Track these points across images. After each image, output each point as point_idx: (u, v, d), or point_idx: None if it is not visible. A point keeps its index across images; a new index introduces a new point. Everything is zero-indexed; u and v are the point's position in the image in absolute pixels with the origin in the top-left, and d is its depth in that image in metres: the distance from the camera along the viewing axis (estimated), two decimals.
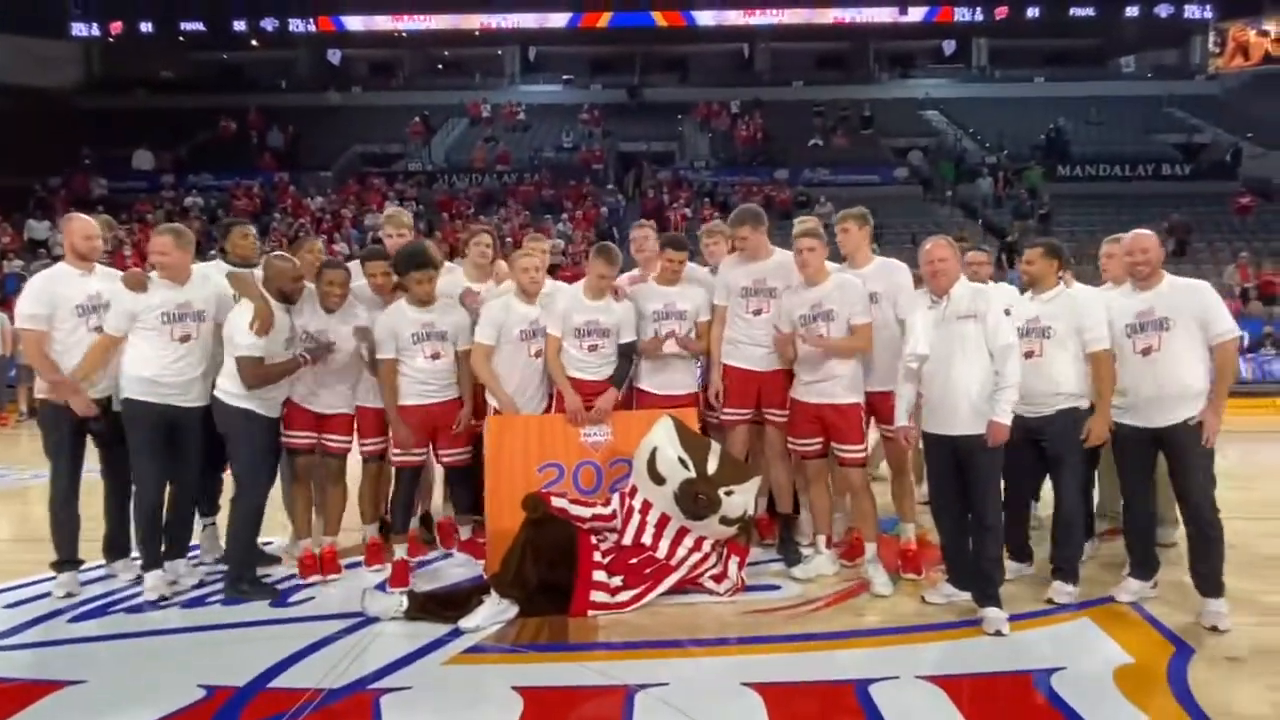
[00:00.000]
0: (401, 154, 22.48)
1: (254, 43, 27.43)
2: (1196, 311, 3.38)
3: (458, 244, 8.51)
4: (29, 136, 20.06)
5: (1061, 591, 3.60)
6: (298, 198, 18.71)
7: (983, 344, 3.32)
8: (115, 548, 3.96)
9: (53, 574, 3.81)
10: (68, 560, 3.81)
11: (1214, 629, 3.23)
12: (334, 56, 27.46)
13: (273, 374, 3.65)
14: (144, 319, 3.65)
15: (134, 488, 3.80)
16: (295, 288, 3.79)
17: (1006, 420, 3.28)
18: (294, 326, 3.81)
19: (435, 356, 3.98)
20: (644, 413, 4.12)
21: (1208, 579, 3.35)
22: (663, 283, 4.25)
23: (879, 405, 3.87)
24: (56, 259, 15.42)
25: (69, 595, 3.72)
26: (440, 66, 28.86)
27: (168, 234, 3.79)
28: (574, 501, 3.76)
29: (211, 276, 3.90)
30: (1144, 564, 3.60)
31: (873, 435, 4.13)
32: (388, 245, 4.39)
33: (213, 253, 4.47)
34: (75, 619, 3.53)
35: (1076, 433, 3.56)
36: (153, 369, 3.64)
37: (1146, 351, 3.40)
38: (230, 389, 3.66)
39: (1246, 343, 13.32)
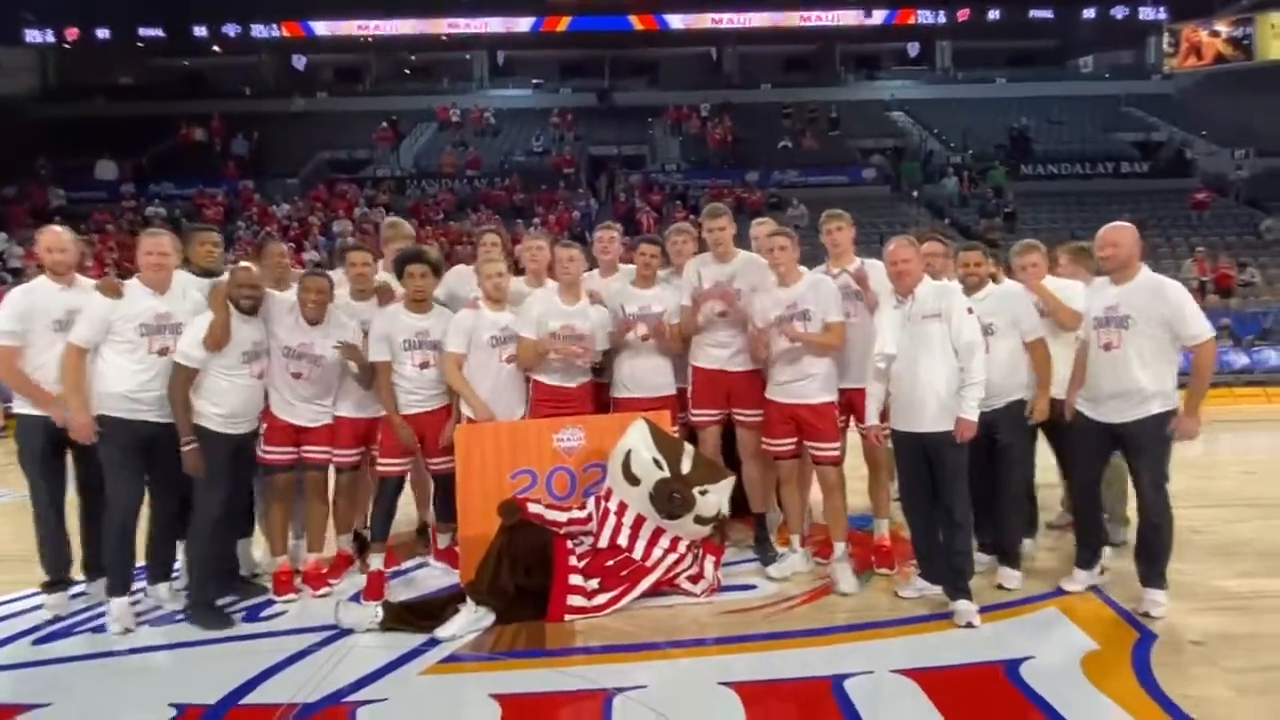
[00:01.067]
0: (369, 159, 22.25)
1: (216, 49, 26.93)
2: (1160, 313, 3.33)
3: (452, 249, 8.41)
4: None
5: (1009, 577, 3.71)
6: (263, 205, 18.42)
7: (948, 342, 3.39)
8: (93, 566, 3.80)
9: (34, 593, 3.69)
10: (58, 581, 3.68)
11: (1146, 615, 3.31)
12: (299, 62, 27.09)
13: (179, 404, 3.46)
14: (119, 330, 3.48)
15: (105, 503, 3.58)
16: (252, 295, 3.64)
17: (973, 417, 3.35)
18: (261, 340, 3.70)
19: (424, 365, 3.95)
20: (617, 416, 4.11)
21: (1151, 570, 3.40)
22: (639, 284, 4.27)
23: (858, 403, 3.89)
24: (14, 272, 15.00)
25: (57, 619, 3.60)
26: (408, 71, 28.60)
27: (164, 235, 3.64)
28: (549, 506, 3.76)
29: (191, 289, 3.74)
30: (1090, 553, 3.69)
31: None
32: (386, 252, 4.35)
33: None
34: (40, 640, 3.45)
35: (1024, 422, 3.68)
36: (128, 384, 3.47)
37: (1108, 347, 3.43)
38: (195, 403, 3.53)
39: None
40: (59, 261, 3.64)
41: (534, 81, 26.90)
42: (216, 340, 3.50)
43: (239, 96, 25.13)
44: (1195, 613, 3.40)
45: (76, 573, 3.83)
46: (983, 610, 3.38)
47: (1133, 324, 3.38)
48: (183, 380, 3.48)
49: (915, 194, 19.77)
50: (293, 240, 15.15)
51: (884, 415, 3.65)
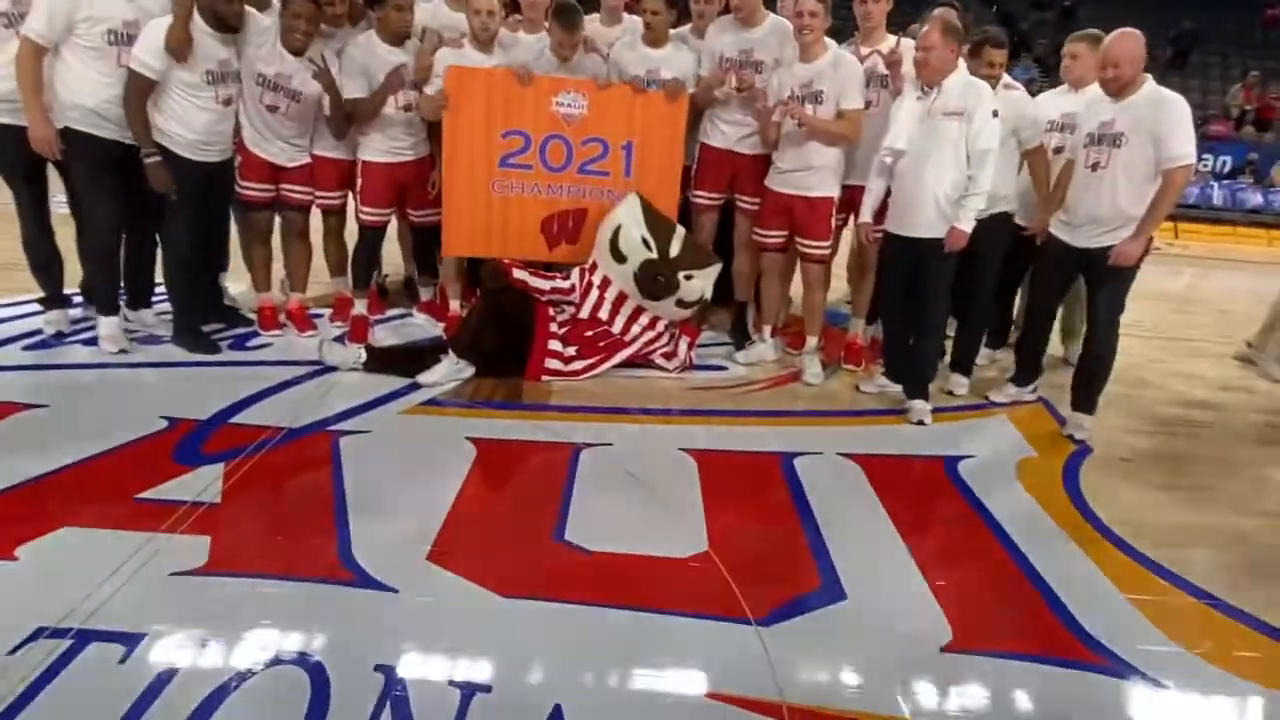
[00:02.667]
0: None
1: None
2: (1155, 130, 3.07)
3: None
4: None
5: (958, 384, 3.87)
6: None
7: (963, 145, 3.20)
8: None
9: (26, 300, 3.64)
10: (53, 297, 3.63)
11: (1070, 437, 3.46)
12: None
13: (136, 119, 3.19)
14: (84, 33, 3.12)
15: (83, 223, 3.48)
16: (228, 9, 3.27)
17: (968, 228, 3.26)
18: (229, 60, 3.38)
19: (408, 108, 3.68)
20: (621, 89, 3.82)
21: (1086, 397, 3.49)
22: (647, 42, 3.90)
23: (860, 201, 3.68)
24: None
25: (59, 334, 3.61)
26: None
27: None
28: (534, 274, 3.76)
29: (165, 5, 3.27)
30: (1028, 372, 3.81)
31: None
32: None
33: None
34: (30, 347, 3.55)
35: (1004, 236, 3.60)
36: (93, 99, 3.18)
37: (1095, 166, 3.24)
38: (157, 121, 3.29)
39: (1228, 168, 13.20)
40: None
41: None
42: (177, 43, 3.15)
43: None
44: (1133, 433, 3.63)
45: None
46: (936, 411, 3.57)
47: (1125, 142, 3.15)
48: (137, 91, 3.19)
49: None
50: None
51: (878, 216, 3.55)
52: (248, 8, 3.42)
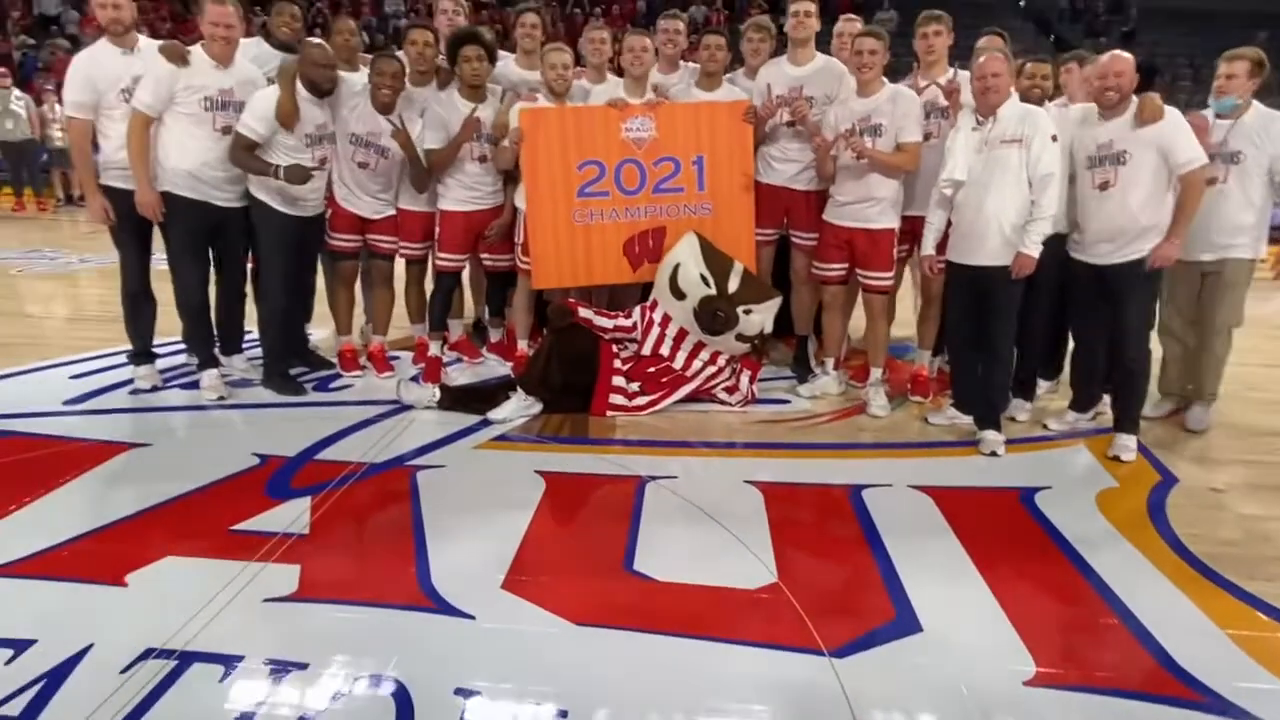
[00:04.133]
0: None
1: None
2: (1157, 142, 3.13)
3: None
4: None
5: (1020, 409, 3.79)
6: None
7: (1023, 171, 3.19)
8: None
9: (126, 350, 3.85)
10: (144, 352, 3.83)
11: (1116, 459, 3.36)
12: None
13: (249, 164, 3.46)
14: (183, 102, 3.39)
15: (177, 284, 3.71)
16: (324, 75, 3.53)
17: (1035, 253, 3.23)
18: (325, 124, 3.63)
19: (483, 159, 3.88)
20: (688, 106, 3.94)
21: (1126, 415, 3.42)
22: (703, 84, 4.04)
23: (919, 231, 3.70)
24: (71, 39, 14.81)
25: (153, 389, 3.79)
26: None
27: (229, 3, 3.42)
28: (598, 313, 3.87)
29: (255, 72, 3.60)
30: (1086, 398, 3.71)
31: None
32: (441, 23, 4.14)
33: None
34: (135, 391, 3.83)
35: (1056, 260, 3.47)
36: (192, 162, 3.44)
37: (1104, 186, 3.24)
38: (253, 181, 3.57)
39: None
40: (115, 20, 3.44)
41: None
42: (286, 115, 3.42)
43: None
44: (1223, 463, 3.46)
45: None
46: (1010, 443, 3.48)
47: (1128, 158, 3.17)
48: (243, 148, 3.44)
49: (1021, 2, 17.61)
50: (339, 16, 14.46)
51: (941, 246, 3.54)
52: (340, 72, 3.70)
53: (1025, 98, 3.38)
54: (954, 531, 2.75)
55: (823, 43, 4.03)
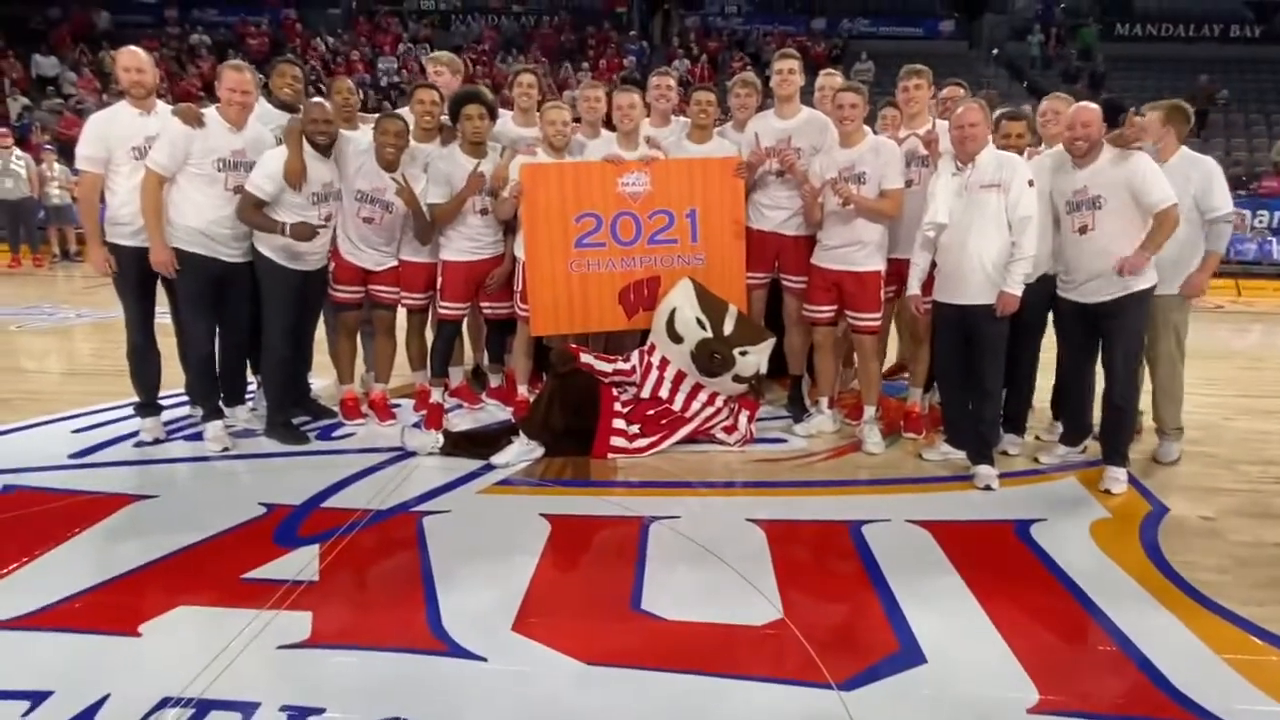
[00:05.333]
0: None
1: None
2: (1130, 184, 3.27)
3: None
4: None
5: (1011, 443, 3.89)
6: (306, 37, 17.89)
7: (1003, 214, 3.34)
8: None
9: (130, 402, 3.90)
10: (149, 404, 3.86)
11: (1107, 491, 3.45)
12: None
13: (257, 222, 3.57)
14: (197, 163, 3.50)
15: (182, 339, 3.80)
16: (322, 131, 3.65)
17: (1018, 291, 3.36)
18: (332, 182, 3.74)
19: (484, 211, 4.01)
20: (681, 161, 4.09)
21: (1115, 449, 3.51)
22: (694, 136, 4.20)
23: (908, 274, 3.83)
24: (68, 99, 15.05)
25: (156, 441, 3.82)
26: None
27: (246, 70, 3.58)
28: (598, 357, 3.96)
29: (265, 133, 3.74)
30: (1075, 432, 3.82)
31: None
32: (441, 83, 4.29)
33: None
34: (140, 444, 3.85)
35: (1046, 299, 3.63)
36: (203, 220, 3.53)
37: (1083, 230, 3.38)
38: (263, 237, 3.66)
39: (1279, 222, 12.92)
40: (137, 83, 3.56)
41: None
42: (293, 173, 3.54)
43: None
44: (1212, 492, 3.54)
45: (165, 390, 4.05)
46: (1003, 477, 3.56)
47: (1104, 203, 3.32)
48: (251, 206, 3.54)
49: (995, 52, 18.30)
50: (336, 77, 14.84)
51: (926, 286, 3.67)
52: (345, 131, 3.84)
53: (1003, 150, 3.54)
54: (953, 564, 2.81)
55: (804, 94, 4.22)
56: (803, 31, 18.29)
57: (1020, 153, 3.61)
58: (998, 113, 3.83)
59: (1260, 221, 12.53)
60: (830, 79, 4.33)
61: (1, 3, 17.66)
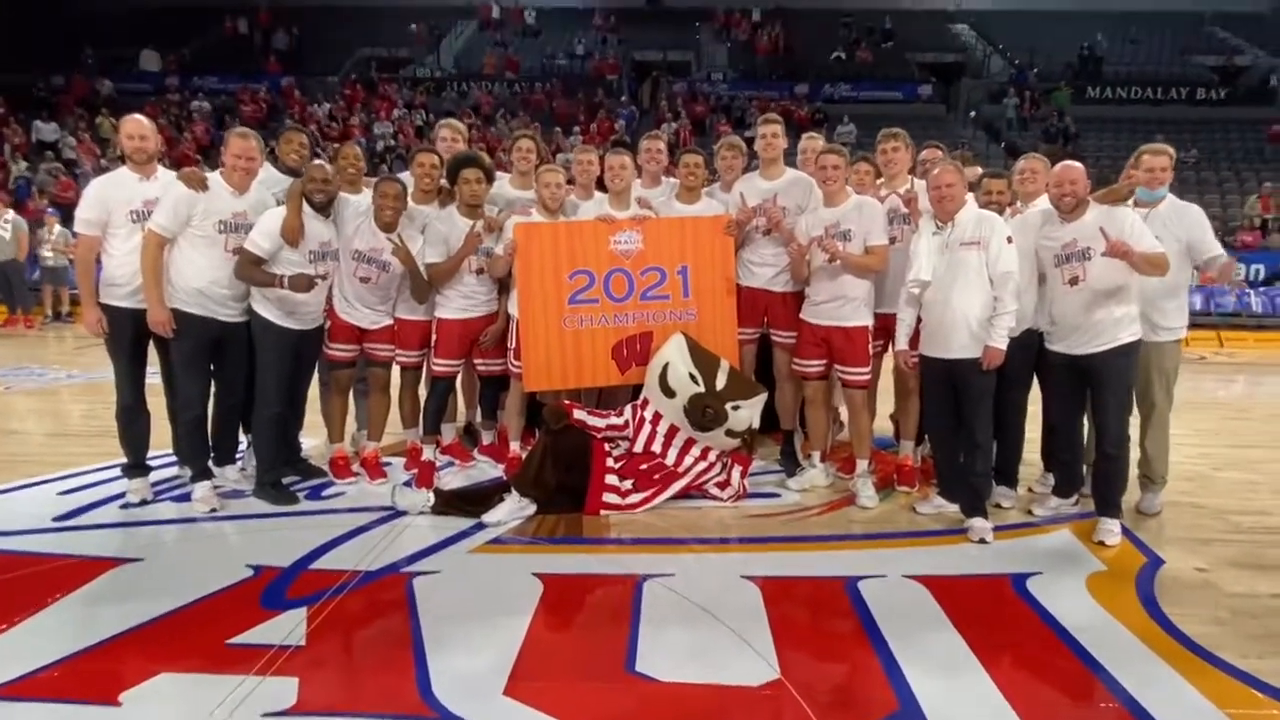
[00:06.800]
0: (410, 58, 21.87)
1: None
2: (1117, 236, 3.32)
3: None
4: (29, 33, 19.59)
5: (1004, 496, 3.90)
6: (303, 104, 18.37)
7: (984, 271, 3.43)
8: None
9: (118, 463, 3.86)
10: (138, 465, 3.84)
11: (1102, 543, 3.45)
12: None
13: (255, 277, 3.61)
14: (198, 225, 3.56)
15: (175, 398, 3.79)
16: (324, 190, 3.72)
17: (1002, 345, 3.42)
18: (330, 241, 3.80)
19: (480, 271, 4.07)
20: (672, 220, 4.17)
21: (1108, 500, 3.52)
22: (683, 197, 4.31)
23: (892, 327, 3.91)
24: (67, 163, 15.37)
25: (144, 502, 3.77)
26: None
27: (253, 137, 3.69)
28: (591, 413, 3.97)
29: (267, 196, 3.80)
30: (1067, 484, 3.84)
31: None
32: (442, 148, 4.41)
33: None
34: (126, 505, 3.80)
35: (1031, 351, 3.66)
36: (203, 281, 3.58)
37: (1073, 282, 3.46)
38: (259, 294, 3.70)
39: (1262, 275, 13.25)
40: (139, 149, 3.65)
41: None
42: (291, 232, 3.59)
43: None
44: (1205, 545, 3.53)
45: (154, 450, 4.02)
46: (997, 529, 3.56)
47: (1092, 255, 3.41)
48: (249, 263, 3.59)
49: (972, 114, 18.97)
50: (335, 141, 15.20)
51: (913, 341, 3.73)
52: (344, 193, 3.93)
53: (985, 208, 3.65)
54: (951, 620, 2.78)
55: (788, 156, 4.35)
56: (786, 96, 18.92)
57: (1001, 210, 3.72)
58: (981, 172, 3.97)
59: (1238, 275, 12.83)
60: (812, 142, 4.48)
61: (7, 71, 18.11)
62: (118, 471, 3.96)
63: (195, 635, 2.63)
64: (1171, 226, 3.59)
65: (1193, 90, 19.30)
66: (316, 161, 3.91)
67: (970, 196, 3.64)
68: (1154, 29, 22.49)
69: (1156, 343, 3.64)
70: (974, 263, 3.44)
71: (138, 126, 3.70)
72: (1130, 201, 3.62)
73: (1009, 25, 22.77)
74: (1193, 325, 3.83)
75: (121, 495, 3.86)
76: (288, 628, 2.65)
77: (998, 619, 2.86)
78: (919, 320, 3.68)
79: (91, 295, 3.67)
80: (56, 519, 3.64)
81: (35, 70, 18.76)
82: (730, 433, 3.91)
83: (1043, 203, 3.74)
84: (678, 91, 19.40)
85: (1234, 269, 3.57)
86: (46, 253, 10.64)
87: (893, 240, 3.95)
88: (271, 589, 2.96)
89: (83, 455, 4.49)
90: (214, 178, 3.68)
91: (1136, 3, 23.68)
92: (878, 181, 4.16)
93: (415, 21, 22.14)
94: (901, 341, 3.74)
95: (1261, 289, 12.88)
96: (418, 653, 2.53)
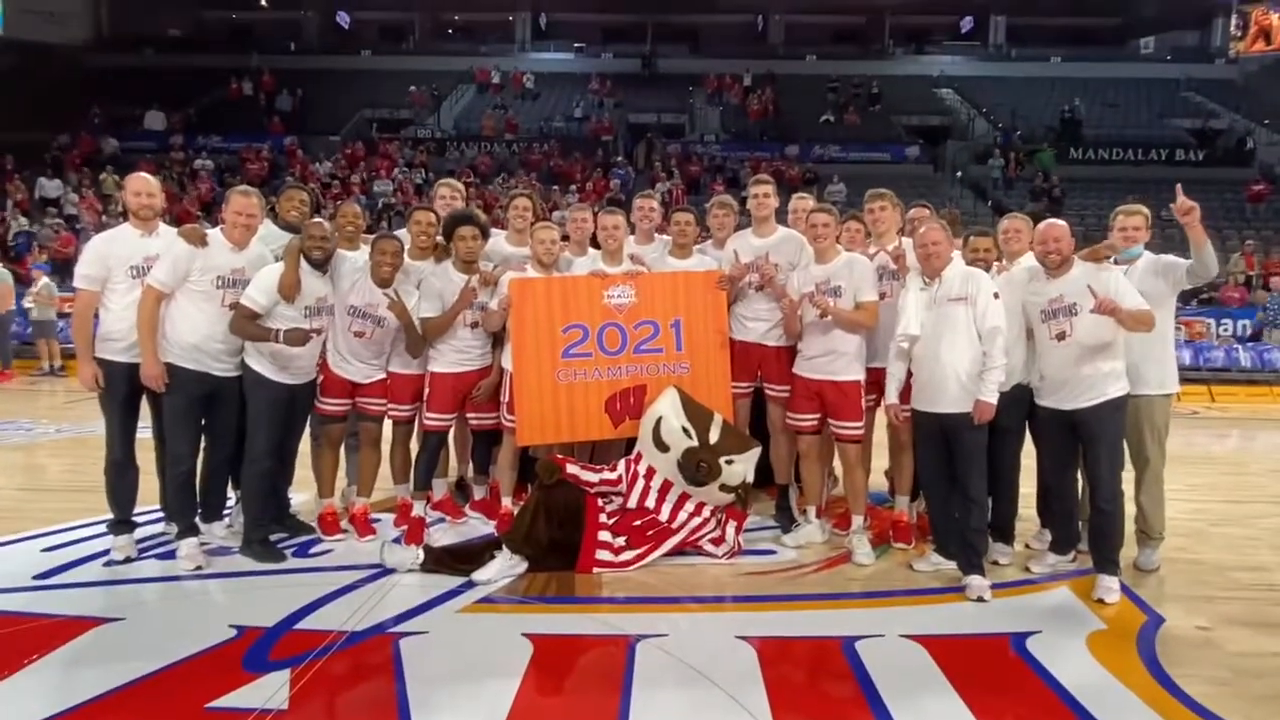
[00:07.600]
0: (410, 120, 22.43)
1: (263, 2, 27.20)
2: (1102, 292, 3.37)
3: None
4: (37, 93, 20.10)
5: (1001, 553, 3.85)
6: (306, 163, 18.74)
7: (972, 326, 3.47)
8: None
9: (103, 520, 3.81)
10: (124, 521, 3.78)
11: (1101, 601, 3.41)
12: (343, 19, 27.24)
13: (250, 331, 3.61)
14: (196, 280, 3.57)
15: (166, 453, 3.75)
16: (322, 246, 3.76)
17: (993, 400, 3.44)
18: (326, 297, 3.83)
19: (474, 326, 4.10)
20: (665, 275, 4.22)
21: (1105, 556, 3.50)
22: (675, 254, 4.38)
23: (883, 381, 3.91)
24: (69, 219, 15.58)
25: (128, 560, 3.71)
26: (450, 31, 28.60)
27: (254, 195, 3.73)
28: (584, 468, 3.95)
29: (266, 252, 3.83)
30: (1063, 540, 3.82)
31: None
32: (440, 206, 4.48)
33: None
34: (110, 563, 3.72)
35: (1023, 405, 3.69)
36: (198, 335, 3.59)
37: (1060, 337, 3.50)
38: (252, 349, 3.70)
39: (1248, 331, 13.42)
40: (145, 206, 3.69)
41: (575, 45, 26.74)
42: (289, 293, 3.63)
43: (284, 52, 25.37)
44: (1206, 601, 3.50)
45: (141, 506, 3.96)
46: (995, 587, 3.51)
47: (1079, 310, 3.45)
48: (245, 317, 3.60)
49: (959, 174, 19.45)
50: (335, 199, 15.47)
51: (904, 396, 3.75)
52: (342, 250, 3.98)
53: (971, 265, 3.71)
54: (950, 682, 2.72)
55: (779, 215, 4.45)
56: (778, 157, 19.40)
57: (988, 268, 3.79)
58: (967, 231, 4.06)
59: (1224, 329, 13.02)
60: (802, 202, 4.58)
61: (14, 129, 18.48)
62: (102, 528, 3.89)
63: (175, 698, 2.55)
64: (1150, 280, 3.64)
65: (1171, 151, 19.87)
66: (315, 219, 3.96)
67: (957, 254, 3.72)
68: (1132, 93, 23.30)
69: (1147, 397, 3.66)
70: (961, 318, 3.49)
71: (144, 184, 3.76)
72: (1110, 260, 3.69)
73: (992, 90, 23.55)
74: (1183, 380, 3.86)
75: (105, 553, 3.79)
76: (270, 691, 2.58)
77: (998, 680, 2.81)
78: (909, 375, 3.70)
79: (88, 351, 3.66)
80: (37, 576, 3.56)
81: (51, 129, 19.15)
82: (724, 487, 3.88)
83: (1028, 260, 3.82)
84: (672, 152, 19.87)
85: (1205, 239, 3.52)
86: (27, 304, 10.60)
87: (882, 296, 4.01)
88: (254, 650, 2.89)
89: (69, 510, 4.41)
90: (214, 234, 3.73)
91: (1114, 69, 24.66)
92: (867, 239, 4.24)
93: (415, 84, 22.80)
94: (891, 395, 3.76)
95: (1250, 344, 13.01)
96: (403, 717, 2.45)
